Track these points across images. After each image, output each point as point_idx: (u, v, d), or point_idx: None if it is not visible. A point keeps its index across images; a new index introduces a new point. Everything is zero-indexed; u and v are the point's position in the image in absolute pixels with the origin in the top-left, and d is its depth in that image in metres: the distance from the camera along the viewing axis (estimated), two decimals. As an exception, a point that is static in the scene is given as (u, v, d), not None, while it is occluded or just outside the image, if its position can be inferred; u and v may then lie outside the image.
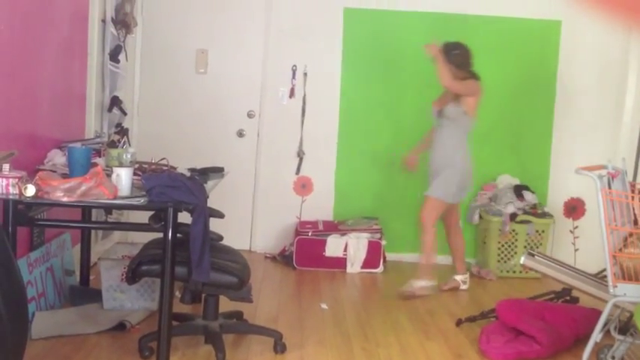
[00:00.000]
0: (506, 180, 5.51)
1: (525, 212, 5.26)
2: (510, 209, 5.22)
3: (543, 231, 5.26)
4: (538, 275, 4.68)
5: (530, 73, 5.56)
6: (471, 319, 3.86)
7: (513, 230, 5.21)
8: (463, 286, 4.77)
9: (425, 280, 4.55)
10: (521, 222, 5.21)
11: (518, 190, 5.38)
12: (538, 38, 5.55)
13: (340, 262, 5.14)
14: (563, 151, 5.56)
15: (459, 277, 4.79)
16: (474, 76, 4.58)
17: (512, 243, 5.24)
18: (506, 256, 5.24)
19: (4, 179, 2.72)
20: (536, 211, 5.30)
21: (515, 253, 5.20)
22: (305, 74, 5.52)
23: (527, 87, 5.57)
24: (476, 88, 4.54)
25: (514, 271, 5.22)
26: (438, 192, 4.52)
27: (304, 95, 5.53)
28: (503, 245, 5.24)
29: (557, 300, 4.09)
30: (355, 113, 5.57)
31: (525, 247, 5.16)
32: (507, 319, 3.62)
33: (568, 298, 4.10)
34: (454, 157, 4.53)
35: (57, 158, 3.52)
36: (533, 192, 5.42)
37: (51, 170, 3.29)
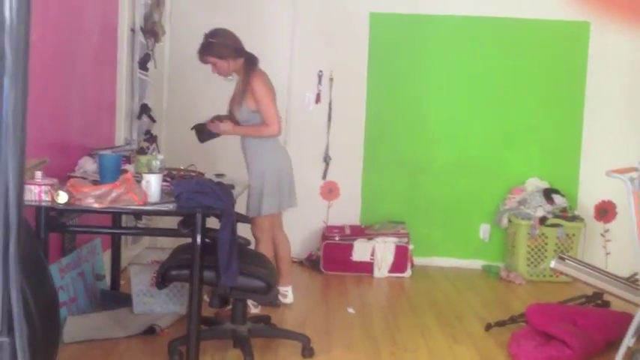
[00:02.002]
0: (535, 183, 5.46)
1: (555, 216, 5.20)
2: (540, 213, 5.17)
3: (574, 234, 5.20)
4: (568, 279, 4.62)
5: (559, 74, 5.51)
6: (501, 324, 3.83)
7: (543, 234, 5.16)
8: (283, 300, 4.17)
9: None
10: (551, 225, 5.15)
11: (548, 194, 5.32)
12: (566, 40, 5.50)
13: (367, 267, 5.13)
14: (593, 153, 5.49)
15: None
16: (251, 62, 3.95)
17: (542, 247, 5.18)
18: (535, 259, 5.19)
19: (36, 186, 2.77)
20: (567, 215, 5.24)
21: (545, 257, 5.14)
22: (331, 79, 5.53)
23: (556, 89, 5.52)
24: (261, 85, 3.90)
25: (544, 275, 5.16)
26: (261, 209, 3.97)
27: (330, 100, 5.54)
28: (532, 249, 5.18)
29: (588, 304, 4.04)
30: (381, 118, 5.57)
31: (555, 250, 5.10)
32: (538, 323, 3.59)
33: (599, 302, 4.05)
34: (261, 163, 3.98)
35: (88, 165, 3.57)
36: (563, 195, 5.36)
37: (82, 177, 3.34)
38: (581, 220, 5.26)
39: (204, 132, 4.09)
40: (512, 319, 3.84)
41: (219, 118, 4.06)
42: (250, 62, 3.97)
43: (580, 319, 3.69)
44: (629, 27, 5.40)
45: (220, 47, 3.89)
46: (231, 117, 4.09)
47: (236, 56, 3.93)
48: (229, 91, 5.60)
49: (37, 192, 2.77)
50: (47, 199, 2.78)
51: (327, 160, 5.58)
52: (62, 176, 3.26)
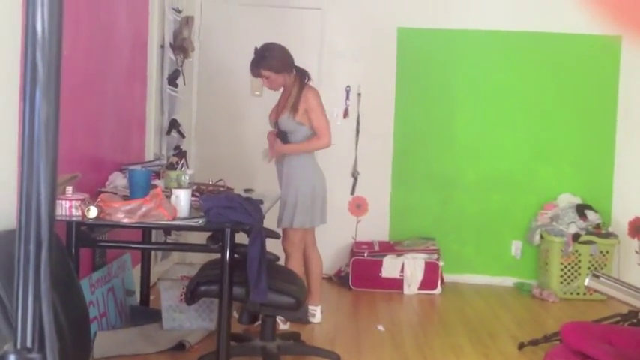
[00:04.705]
0: (568, 199, 5.37)
1: (588, 232, 5.11)
2: (573, 229, 5.08)
3: (607, 251, 5.09)
4: (603, 297, 4.51)
5: (591, 89, 5.43)
6: (534, 343, 3.75)
7: (576, 251, 5.06)
8: (310, 319, 4.13)
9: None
10: (585, 242, 5.06)
11: (581, 210, 5.23)
12: (598, 54, 5.42)
13: (397, 283, 5.07)
14: (627, 169, 5.38)
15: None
16: (303, 75, 4.02)
17: (575, 264, 5.08)
18: (569, 277, 5.09)
19: (67, 201, 2.79)
20: (600, 231, 5.14)
21: (579, 274, 5.04)
22: (359, 94, 5.52)
23: (588, 103, 5.44)
24: (315, 100, 3.97)
25: (577, 293, 5.06)
26: (293, 222, 3.96)
27: (358, 115, 5.53)
28: (565, 266, 5.09)
29: (623, 323, 3.94)
30: (410, 132, 5.53)
31: (589, 268, 5.00)
32: (572, 342, 3.49)
33: (634, 320, 3.95)
34: (298, 177, 3.99)
35: (118, 181, 3.60)
36: (596, 211, 5.26)
37: (112, 192, 3.36)
38: (615, 236, 5.16)
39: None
40: (546, 338, 3.76)
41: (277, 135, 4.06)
42: (303, 76, 4.03)
43: (615, 338, 3.59)
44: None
45: (275, 61, 3.94)
46: (275, 128, 4.12)
47: (289, 70, 4.00)
48: (257, 105, 5.64)
49: (68, 207, 2.79)
50: (78, 214, 2.80)
51: (355, 175, 5.56)
52: (93, 191, 3.28)
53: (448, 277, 5.28)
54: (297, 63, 5.39)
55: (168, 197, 3.00)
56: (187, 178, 3.44)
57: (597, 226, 5.17)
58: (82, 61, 3.41)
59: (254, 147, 5.53)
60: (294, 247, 4.02)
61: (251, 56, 5.57)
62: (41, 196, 0.83)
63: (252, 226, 2.93)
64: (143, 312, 3.94)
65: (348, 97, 5.54)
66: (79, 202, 2.81)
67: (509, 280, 5.42)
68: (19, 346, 0.84)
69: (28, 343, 0.84)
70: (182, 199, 2.96)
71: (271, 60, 3.95)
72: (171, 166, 4.23)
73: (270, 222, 3.87)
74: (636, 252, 5.32)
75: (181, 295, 3.66)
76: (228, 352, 2.97)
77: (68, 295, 2.31)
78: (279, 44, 4.03)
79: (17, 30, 2.43)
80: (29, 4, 0.81)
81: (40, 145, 0.83)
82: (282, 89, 4.14)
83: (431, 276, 5.08)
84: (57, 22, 0.82)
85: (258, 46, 4.02)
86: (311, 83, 4.10)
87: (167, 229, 4.16)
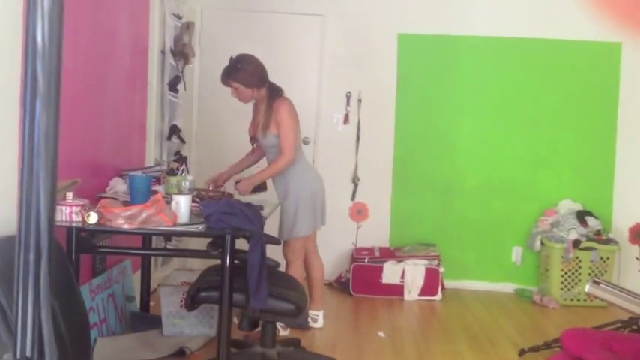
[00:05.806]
0: (568, 205, 5.36)
1: (589, 238, 5.10)
2: (573, 235, 5.08)
3: (608, 258, 5.09)
4: (603, 304, 4.50)
5: (591, 95, 5.44)
6: (535, 349, 3.75)
7: (577, 257, 5.06)
8: (313, 324, 4.13)
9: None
10: (585, 249, 5.05)
11: (581, 216, 5.23)
12: (598, 60, 5.43)
13: (397, 289, 5.07)
14: (627, 175, 5.38)
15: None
16: (275, 90, 3.92)
17: (576, 270, 5.08)
18: (569, 283, 5.08)
19: (67, 207, 2.79)
20: (601, 238, 5.13)
21: (579, 280, 5.04)
22: (359, 100, 5.53)
23: (588, 109, 5.44)
24: (286, 112, 3.85)
25: (578, 299, 5.05)
26: (291, 232, 3.94)
27: (359, 121, 5.53)
28: (566, 273, 5.08)
29: (624, 329, 3.93)
30: (411, 139, 5.53)
31: (589, 274, 4.99)
32: (573, 349, 3.49)
33: (635, 327, 3.94)
34: (288, 186, 3.93)
35: (118, 186, 3.59)
36: (596, 217, 5.26)
37: (112, 198, 3.36)
38: (616, 243, 5.15)
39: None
40: (547, 345, 3.76)
41: (236, 182, 4.02)
42: (274, 91, 3.93)
43: (616, 345, 3.58)
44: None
45: (246, 74, 3.84)
46: (255, 141, 4.09)
47: (260, 85, 3.90)
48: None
49: (68, 213, 2.79)
50: (78, 219, 2.79)
51: (355, 181, 5.56)
52: (93, 197, 3.28)
53: (449, 284, 5.28)
54: (298, 69, 5.39)
55: (169, 203, 3.00)
56: (188, 183, 3.44)
57: (598, 233, 5.17)
58: (82, 67, 3.41)
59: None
60: (294, 254, 4.00)
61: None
62: (41, 206, 0.83)
63: (252, 232, 2.93)
64: (143, 318, 3.94)
65: (348, 103, 5.54)
66: (79, 207, 2.81)
67: (509, 287, 5.42)
68: (18, 354, 0.84)
69: (28, 352, 0.84)
70: (182, 204, 2.96)
71: (243, 73, 3.84)
72: (172, 172, 4.23)
73: (270, 228, 3.87)
74: (637, 258, 5.32)
75: (182, 301, 3.65)
76: (228, 359, 2.97)
77: (68, 301, 2.31)
78: (255, 57, 3.93)
79: (18, 40, 2.43)
80: (29, 15, 0.81)
81: (40, 155, 0.83)
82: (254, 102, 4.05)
83: (431, 282, 5.08)
84: (57, 33, 0.82)
85: (234, 56, 3.92)
86: (284, 95, 3.96)
87: (167, 235, 4.16)
